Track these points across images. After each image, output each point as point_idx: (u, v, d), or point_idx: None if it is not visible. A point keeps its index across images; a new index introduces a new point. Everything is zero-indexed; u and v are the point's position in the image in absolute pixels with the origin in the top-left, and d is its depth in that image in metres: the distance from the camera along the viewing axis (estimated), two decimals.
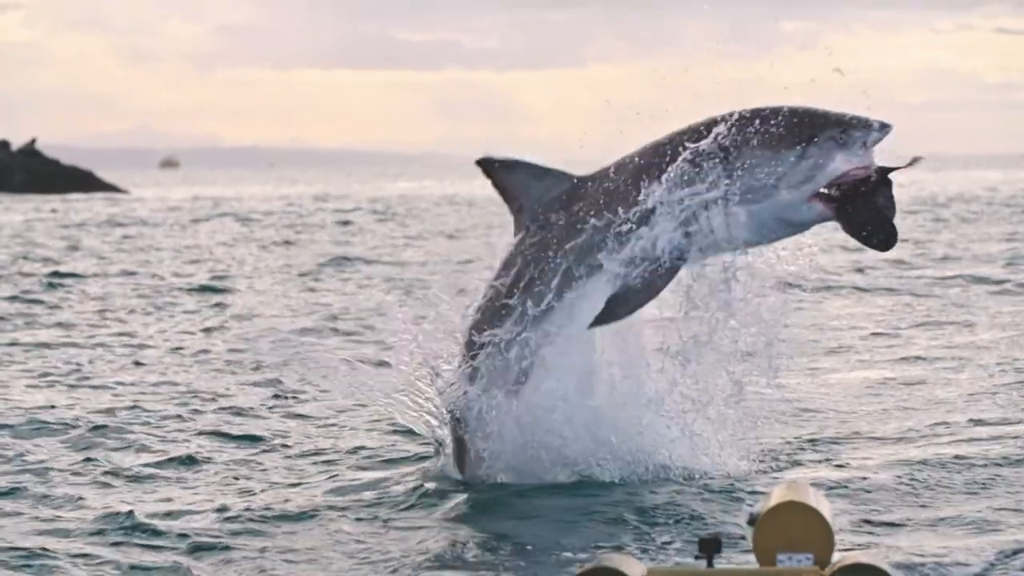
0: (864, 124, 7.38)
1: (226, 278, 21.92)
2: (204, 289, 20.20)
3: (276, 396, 10.99)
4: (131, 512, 7.44)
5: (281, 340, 14.40)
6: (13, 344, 14.32)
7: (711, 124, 7.57)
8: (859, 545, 6.64)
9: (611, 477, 7.87)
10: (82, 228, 37.29)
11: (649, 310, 8.04)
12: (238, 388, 11.47)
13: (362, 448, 9.09)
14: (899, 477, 7.94)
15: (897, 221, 7.41)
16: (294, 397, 10.92)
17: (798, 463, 8.42)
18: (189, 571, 6.55)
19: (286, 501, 7.72)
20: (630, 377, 8.06)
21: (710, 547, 4.50)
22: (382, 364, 8.68)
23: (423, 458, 8.52)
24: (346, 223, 39.70)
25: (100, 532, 7.18)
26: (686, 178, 7.53)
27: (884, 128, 7.37)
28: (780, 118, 7.45)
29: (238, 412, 10.37)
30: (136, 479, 8.46)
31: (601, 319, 7.63)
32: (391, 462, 8.67)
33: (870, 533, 6.94)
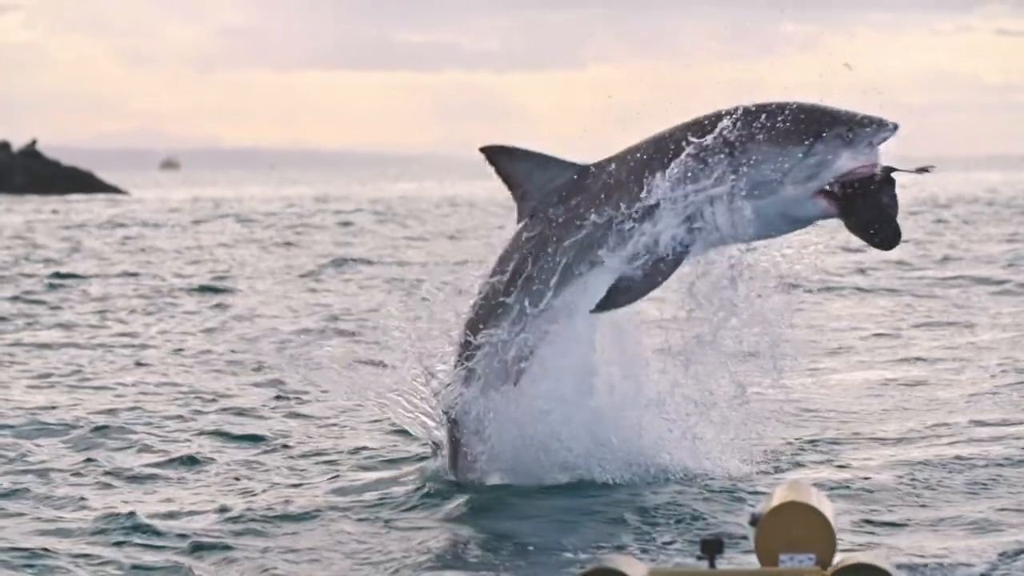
0: (871, 123, 7.38)
1: (227, 279, 21.92)
2: (205, 290, 20.20)
3: (277, 397, 10.99)
4: (132, 512, 7.44)
5: (282, 341, 14.41)
6: (14, 345, 14.33)
7: (716, 118, 7.56)
8: (861, 545, 6.64)
9: (610, 478, 7.86)
10: (83, 229, 37.28)
11: (651, 311, 8.04)
12: (239, 388, 11.47)
13: (363, 448, 9.09)
14: (900, 477, 7.94)
15: (899, 221, 7.41)
16: (296, 398, 10.92)
17: (800, 463, 8.42)
18: (191, 571, 6.55)
19: (287, 501, 7.73)
20: (630, 377, 8.06)
21: (712, 548, 4.50)
22: (377, 364, 8.68)
23: (424, 458, 8.52)
24: (347, 224, 39.70)
25: (102, 532, 7.18)
26: (691, 173, 7.52)
27: (891, 127, 7.38)
28: (787, 113, 7.45)
29: (239, 412, 10.37)
30: (137, 479, 8.46)
31: (602, 306, 7.64)
32: (392, 462, 8.68)
33: (872, 533, 6.94)
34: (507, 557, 6.74)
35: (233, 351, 13.74)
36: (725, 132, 7.48)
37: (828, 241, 7.96)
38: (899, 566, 5.91)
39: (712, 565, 4.48)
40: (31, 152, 72.24)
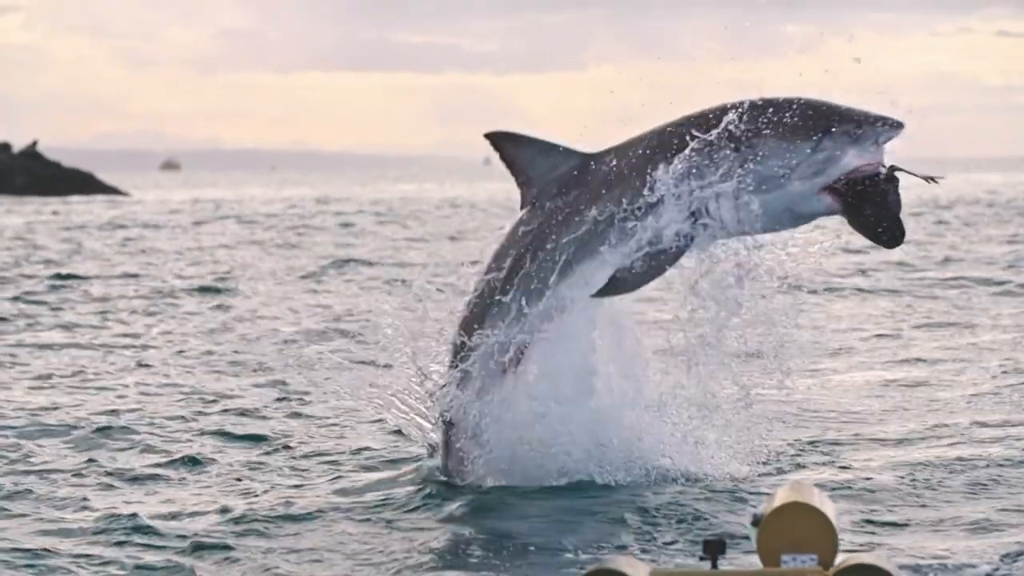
0: (878, 121, 7.39)
1: (228, 280, 21.92)
2: (206, 291, 20.20)
3: (279, 397, 10.99)
4: (134, 513, 7.45)
5: (283, 342, 14.41)
6: (16, 346, 14.33)
7: (720, 112, 7.54)
8: (862, 546, 6.64)
9: (611, 480, 7.85)
10: (83, 230, 37.28)
11: (652, 311, 8.04)
12: (240, 389, 11.48)
13: (365, 449, 9.09)
14: (902, 478, 7.95)
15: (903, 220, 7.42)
16: (297, 398, 10.92)
17: (801, 464, 8.43)
18: (192, 572, 6.56)
19: (289, 502, 7.73)
20: (630, 378, 8.04)
21: (714, 548, 4.50)
22: (372, 364, 8.68)
23: (425, 459, 8.52)
24: (347, 225, 39.70)
25: (103, 533, 7.18)
26: (696, 167, 7.51)
27: (897, 126, 7.39)
28: (795, 108, 7.44)
29: (241, 413, 10.38)
30: (139, 480, 8.46)
31: (602, 293, 7.62)
32: (394, 463, 8.68)
33: (873, 534, 6.95)
34: (508, 558, 6.74)
35: (234, 352, 13.74)
36: (731, 126, 7.46)
37: (833, 240, 7.95)
38: (901, 567, 5.91)
39: (714, 566, 4.48)
40: (32, 153, 72.22)
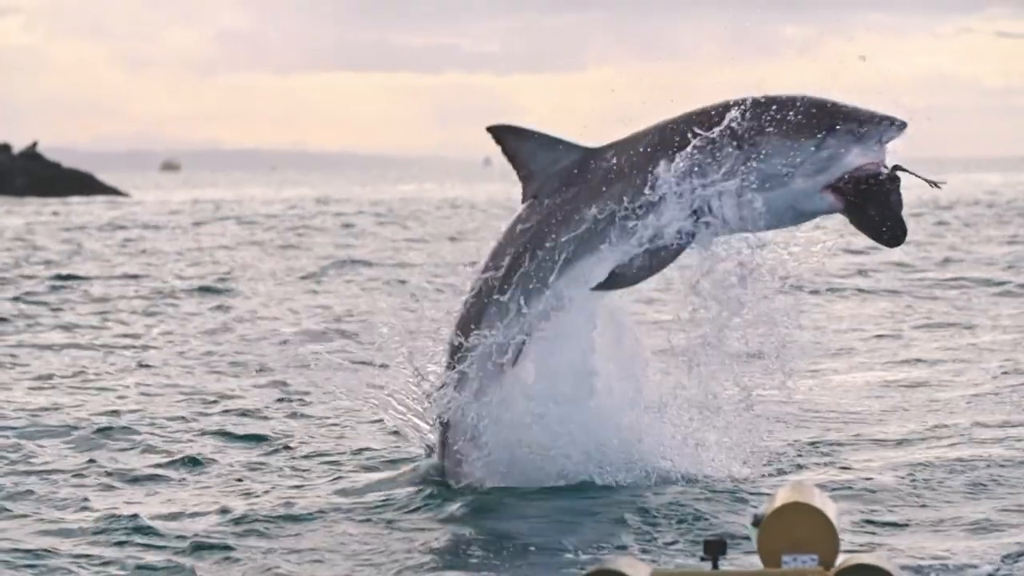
0: (881, 120, 7.40)
1: (228, 281, 21.92)
2: (206, 292, 20.20)
3: (280, 398, 10.99)
4: (135, 513, 7.45)
5: (283, 342, 14.42)
6: (16, 346, 14.33)
7: (723, 109, 7.52)
8: (863, 546, 6.64)
9: (611, 481, 7.84)
10: (83, 231, 37.29)
11: (652, 312, 8.03)
12: (241, 390, 11.48)
13: (366, 449, 9.09)
14: (902, 478, 7.95)
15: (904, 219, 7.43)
16: (298, 399, 10.92)
17: (802, 465, 8.43)
18: (193, 572, 6.56)
19: (290, 502, 7.73)
20: (629, 379, 8.03)
21: (715, 549, 4.50)
22: (369, 364, 8.68)
23: (424, 459, 8.52)
24: (347, 226, 39.71)
25: (104, 533, 7.18)
26: (698, 164, 7.49)
27: (900, 126, 7.40)
28: (799, 106, 7.43)
29: (241, 414, 10.38)
30: (140, 480, 8.46)
31: (601, 287, 7.61)
32: (395, 463, 8.67)
33: (874, 534, 6.95)
34: (508, 558, 6.74)
35: (235, 353, 13.74)
36: (734, 124, 7.45)
37: (836, 240, 7.95)
38: (902, 567, 5.92)
39: (715, 566, 4.48)
40: (32, 154, 72.24)
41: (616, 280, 7.61)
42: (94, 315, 17.44)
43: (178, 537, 7.06)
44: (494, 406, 7.85)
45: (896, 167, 7.38)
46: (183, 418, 10.27)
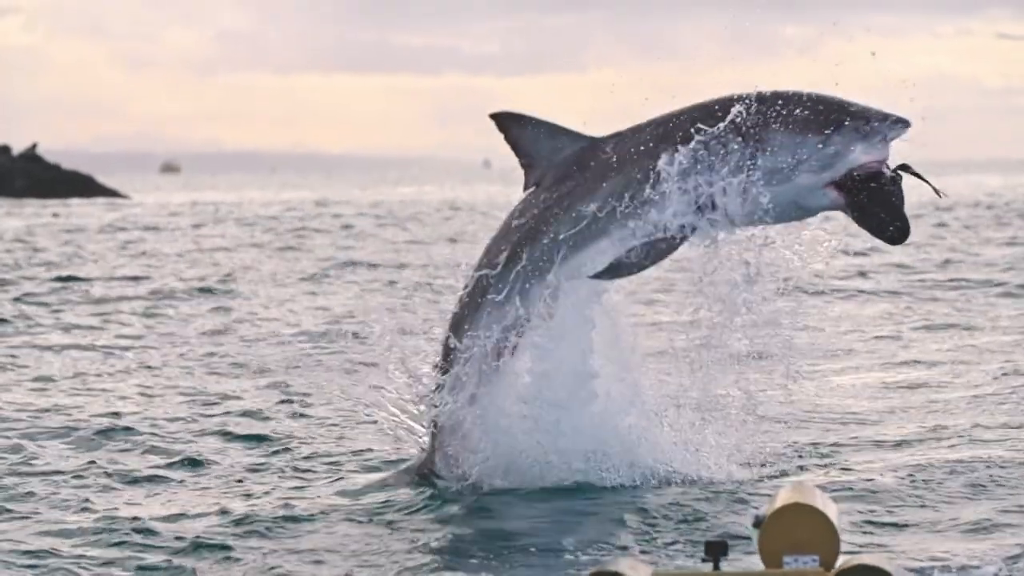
0: (886, 118, 7.41)
1: (228, 282, 21.92)
2: (206, 293, 20.21)
3: (281, 399, 10.99)
4: (135, 514, 7.45)
5: (284, 344, 14.42)
6: (17, 348, 14.34)
7: (727, 103, 7.51)
8: (862, 546, 6.64)
9: (609, 483, 7.83)
10: (83, 233, 37.29)
11: (651, 314, 8.02)
12: (242, 391, 11.48)
13: (366, 450, 9.09)
14: (903, 479, 7.95)
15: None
16: (299, 400, 10.92)
17: (802, 466, 8.43)
18: (194, 573, 6.57)
19: (291, 503, 7.73)
20: (629, 382, 8.01)
21: (716, 550, 4.51)
22: (360, 366, 8.67)
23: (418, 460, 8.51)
24: (347, 227, 39.72)
25: (105, 534, 7.18)
26: (703, 158, 7.46)
27: (904, 124, 7.41)
28: (805, 102, 7.43)
29: (242, 415, 10.38)
30: (141, 482, 8.46)
31: (600, 276, 7.57)
32: (395, 464, 8.67)
33: (875, 535, 6.95)
34: (509, 559, 6.74)
35: (235, 354, 13.74)
36: (739, 118, 7.44)
37: (841, 239, 7.94)
38: (902, 568, 5.92)
39: (716, 567, 4.49)
40: (31, 156, 72.24)
41: (615, 270, 7.58)
42: (94, 316, 17.45)
43: (178, 538, 7.06)
44: (489, 409, 7.82)
45: (903, 166, 7.40)
46: (183, 419, 10.27)
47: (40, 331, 15.88)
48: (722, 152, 7.44)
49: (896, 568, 4.37)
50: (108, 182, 76.83)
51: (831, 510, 4.47)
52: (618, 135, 7.78)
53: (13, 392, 11.54)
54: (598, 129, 8.07)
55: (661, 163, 7.51)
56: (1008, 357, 12.65)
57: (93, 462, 8.84)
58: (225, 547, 6.93)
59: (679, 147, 7.50)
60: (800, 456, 8.67)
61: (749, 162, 7.40)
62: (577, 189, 7.70)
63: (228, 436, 9.64)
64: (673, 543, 6.84)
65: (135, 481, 8.47)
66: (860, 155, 7.36)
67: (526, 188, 7.89)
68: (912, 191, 7.45)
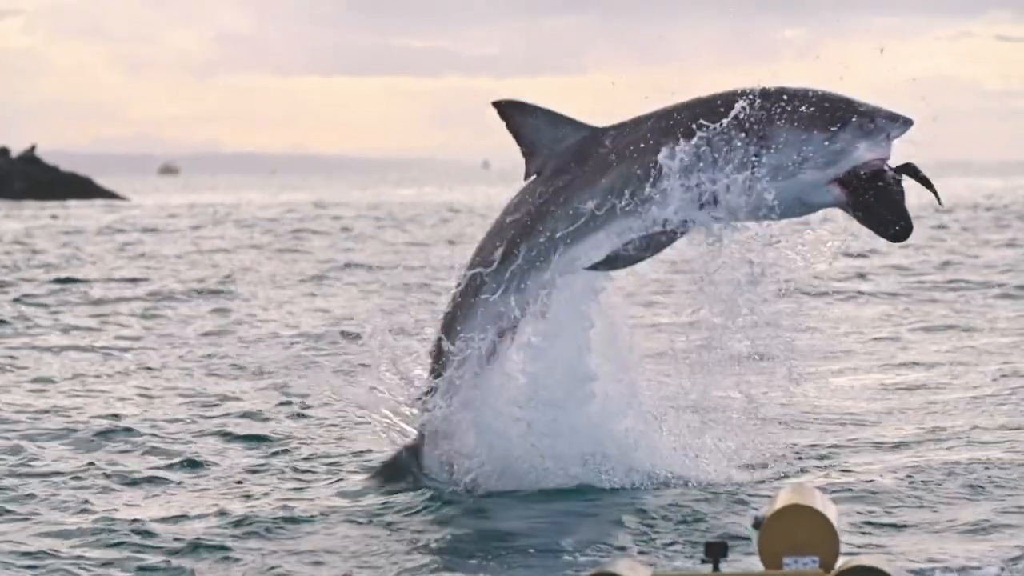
0: (890, 116, 7.42)
1: (227, 284, 21.92)
2: (205, 295, 20.21)
3: (280, 400, 10.99)
4: (135, 515, 7.45)
5: (283, 345, 14.42)
6: (16, 349, 14.34)
7: (730, 98, 7.49)
8: (862, 547, 6.64)
9: (607, 485, 7.82)
10: (82, 234, 37.29)
11: (649, 316, 8.01)
12: (241, 392, 11.48)
13: (366, 451, 9.08)
14: (902, 481, 7.95)
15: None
16: (298, 401, 10.91)
17: (802, 467, 8.43)
18: (193, 574, 6.56)
19: (290, 505, 7.73)
20: (626, 383, 7.99)
21: (716, 551, 4.50)
22: (355, 368, 8.65)
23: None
24: (347, 229, 39.72)
25: (104, 536, 7.18)
26: (706, 152, 7.44)
27: (907, 122, 7.43)
28: (811, 98, 7.43)
29: (242, 416, 10.38)
30: (140, 483, 8.46)
31: (596, 267, 7.55)
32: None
33: (874, 536, 6.95)
34: (508, 560, 6.74)
35: (235, 355, 13.74)
36: (743, 114, 7.43)
37: (845, 239, 7.94)
38: (902, 569, 5.92)
39: (716, 568, 4.49)
40: (30, 158, 72.24)
41: (612, 262, 7.55)
42: (93, 318, 17.45)
43: (177, 539, 7.06)
44: (483, 411, 7.79)
45: (909, 167, 7.42)
46: (182, 420, 10.27)
47: (39, 332, 15.88)
48: (725, 147, 7.43)
49: (895, 569, 4.37)
50: (107, 184, 76.84)
51: (831, 511, 4.47)
52: (620, 126, 7.74)
53: (12, 393, 11.54)
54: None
55: (664, 157, 7.48)
56: (1007, 359, 12.65)
57: (92, 463, 8.84)
58: (224, 548, 6.93)
59: (682, 141, 7.48)
60: (799, 457, 8.67)
61: (753, 158, 7.39)
62: (576, 183, 7.67)
63: (227, 437, 9.64)
64: (672, 544, 6.84)
65: (134, 482, 8.47)
66: (864, 152, 7.37)
67: (527, 177, 7.86)
68: (910, 191, 7.46)
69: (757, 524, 4.48)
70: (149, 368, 13.02)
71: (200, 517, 7.53)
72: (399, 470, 8.09)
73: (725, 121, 7.41)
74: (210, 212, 54.26)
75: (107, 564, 6.73)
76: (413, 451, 8.09)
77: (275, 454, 9.12)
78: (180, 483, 8.46)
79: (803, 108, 7.39)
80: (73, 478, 8.52)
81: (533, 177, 7.83)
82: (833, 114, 7.39)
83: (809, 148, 7.36)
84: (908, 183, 7.44)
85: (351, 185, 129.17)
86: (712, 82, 7.83)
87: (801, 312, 8.05)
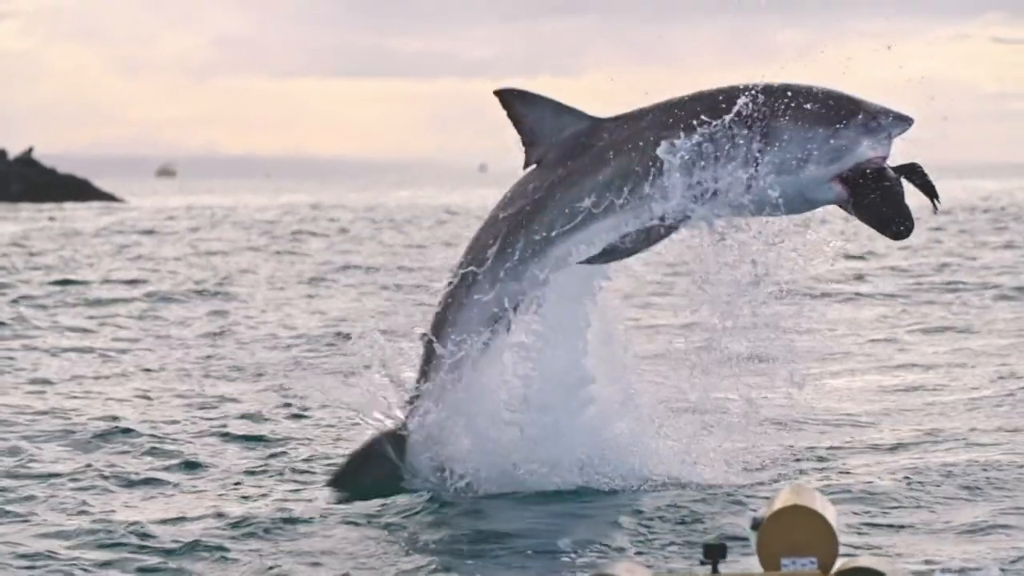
0: (891, 115, 7.43)
1: (224, 286, 21.92)
2: (203, 296, 20.21)
3: (278, 402, 10.99)
4: (133, 517, 7.45)
5: (281, 347, 14.43)
6: (14, 351, 14.33)
7: (732, 93, 7.48)
8: (859, 547, 6.65)
9: (605, 487, 7.81)
10: (79, 236, 37.29)
11: (648, 318, 8.01)
12: (239, 394, 11.48)
13: None
14: (900, 482, 7.95)
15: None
16: (297, 403, 10.92)
17: (800, 468, 8.43)
18: (191, 575, 6.56)
19: (288, 506, 7.73)
20: (626, 386, 7.98)
21: (715, 552, 4.50)
22: (348, 369, 8.64)
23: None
24: (344, 231, 39.72)
25: (103, 537, 7.18)
26: (709, 147, 7.42)
27: (907, 122, 7.44)
28: (815, 95, 7.43)
29: (240, 417, 10.38)
30: (138, 484, 8.45)
31: (591, 261, 7.52)
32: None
33: (873, 537, 6.95)
34: (506, 562, 6.74)
35: (233, 357, 13.75)
36: (746, 109, 7.42)
37: (849, 237, 7.94)
38: (900, 570, 5.93)
39: (715, 569, 4.49)
40: (27, 160, 72.24)
41: (608, 255, 7.53)
42: (91, 320, 17.45)
43: (175, 540, 7.06)
44: (475, 415, 7.76)
45: (913, 166, 7.44)
46: (181, 422, 10.27)
47: (37, 334, 15.88)
48: (727, 143, 7.42)
49: (894, 570, 4.37)
50: (104, 186, 76.82)
51: (829, 512, 4.47)
52: (622, 118, 7.71)
53: (11, 395, 11.54)
54: None
55: (663, 152, 7.46)
56: (1004, 360, 12.67)
57: (90, 464, 8.83)
58: (222, 549, 6.93)
59: (682, 136, 7.47)
60: (797, 459, 8.68)
61: (758, 153, 7.39)
62: (576, 175, 7.63)
63: (225, 438, 9.64)
64: (670, 545, 6.85)
65: (132, 483, 8.47)
66: (866, 150, 7.38)
67: (526, 166, 7.83)
68: (911, 197, 7.47)
69: (755, 525, 4.48)
70: (147, 369, 13.02)
71: (198, 518, 7.53)
72: (374, 457, 8.02)
73: (728, 115, 7.40)
74: (208, 214, 54.26)
75: (105, 565, 6.73)
76: (394, 440, 8.02)
77: (273, 455, 9.12)
78: (178, 484, 8.46)
79: (808, 104, 7.39)
80: (71, 479, 8.52)
81: (532, 167, 7.80)
82: (839, 111, 7.40)
83: (813, 144, 7.36)
84: (907, 186, 7.45)
85: (348, 187, 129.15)
86: (712, 83, 7.83)
87: (801, 314, 8.05)
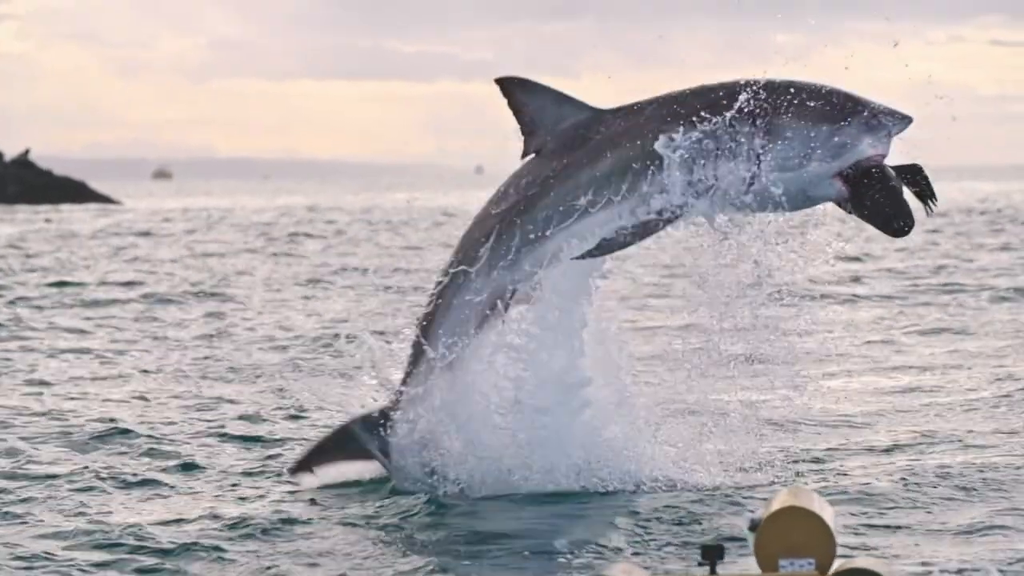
0: (893, 114, 7.44)
1: (221, 288, 21.92)
2: (200, 298, 20.20)
3: (275, 403, 10.99)
4: (130, 518, 7.45)
5: (278, 349, 14.42)
6: (11, 352, 14.33)
7: (734, 88, 7.46)
8: (857, 548, 6.65)
9: (602, 488, 7.80)
10: (76, 238, 37.27)
11: (646, 320, 8.01)
12: (237, 395, 11.48)
13: None
14: (897, 483, 7.96)
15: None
16: (293, 404, 10.91)
17: (798, 470, 8.43)
18: None
19: (286, 507, 7.73)
20: (623, 388, 7.96)
21: (713, 554, 4.51)
22: (341, 369, 8.63)
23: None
24: (341, 233, 39.71)
25: (100, 538, 7.18)
26: (710, 142, 7.41)
27: (907, 120, 7.45)
28: (818, 91, 7.43)
29: (238, 419, 10.37)
30: (135, 486, 8.45)
31: (585, 256, 7.48)
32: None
33: (870, 539, 6.96)
34: (504, 563, 6.74)
35: (230, 358, 13.74)
36: (748, 104, 7.41)
37: (849, 238, 7.94)
38: (898, 571, 5.93)
39: (712, 571, 4.49)
40: (24, 162, 72.20)
41: (603, 247, 7.52)
42: (88, 321, 17.44)
43: (173, 541, 7.05)
44: (465, 419, 7.75)
45: (914, 166, 7.45)
46: (178, 423, 10.26)
47: (34, 336, 15.87)
48: (728, 139, 7.41)
49: (891, 571, 4.38)
50: (100, 188, 76.79)
51: (827, 513, 4.48)
52: (623, 110, 7.68)
53: (8, 396, 11.54)
54: None
55: (661, 146, 7.44)
56: (1000, 362, 12.67)
57: (87, 466, 8.83)
58: (219, 550, 6.93)
59: (682, 130, 7.46)
60: (794, 460, 8.67)
61: (761, 149, 7.38)
62: (571, 170, 7.61)
63: (223, 439, 9.64)
64: (668, 546, 6.84)
65: (130, 485, 8.46)
66: (867, 148, 7.39)
67: (524, 156, 7.80)
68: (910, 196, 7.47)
69: (753, 526, 4.48)
70: (144, 371, 13.01)
71: (195, 519, 7.53)
72: (348, 442, 8.00)
73: (731, 110, 7.39)
74: (204, 216, 54.23)
75: (102, 566, 6.73)
76: (371, 428, 7.99)
77: (270, 456, 9.11)
78: (175, 485, 8.46)
79: (811, 101, 7.39)
80: (68, 480, 8.51)
81: (531, 156, 7.78)
82: (841, 108, 7.40)
83: (816, 141, 7.36)
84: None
85: (345, 190, 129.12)
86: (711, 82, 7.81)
87: (800, 315, 8.05)
